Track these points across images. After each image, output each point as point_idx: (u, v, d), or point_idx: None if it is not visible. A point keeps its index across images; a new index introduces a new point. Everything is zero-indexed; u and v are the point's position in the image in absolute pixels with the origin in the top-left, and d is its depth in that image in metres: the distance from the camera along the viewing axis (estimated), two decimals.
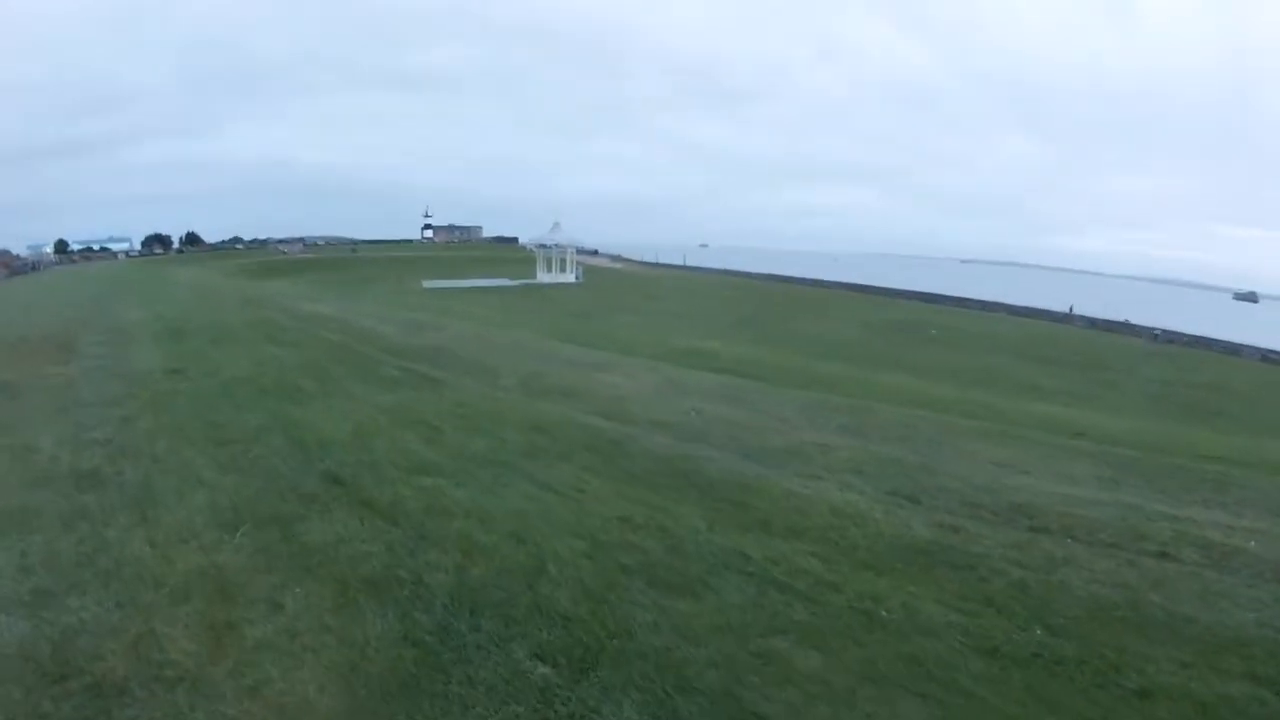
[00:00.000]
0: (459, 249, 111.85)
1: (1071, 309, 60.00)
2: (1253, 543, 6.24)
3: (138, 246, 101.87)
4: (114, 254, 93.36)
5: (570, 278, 68.62)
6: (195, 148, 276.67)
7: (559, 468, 7.69)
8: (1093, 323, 56.13)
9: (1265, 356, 43.44)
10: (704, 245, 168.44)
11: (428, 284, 58.26)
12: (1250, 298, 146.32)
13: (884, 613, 4.74)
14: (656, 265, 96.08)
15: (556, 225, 72.38)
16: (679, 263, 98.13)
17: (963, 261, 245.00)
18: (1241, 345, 46.37)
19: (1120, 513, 6.82)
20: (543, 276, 68.44)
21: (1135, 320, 55.66)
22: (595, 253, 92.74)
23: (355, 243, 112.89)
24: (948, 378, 25.57)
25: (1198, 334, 50.05)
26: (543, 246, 72.55)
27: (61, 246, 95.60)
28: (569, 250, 71.50)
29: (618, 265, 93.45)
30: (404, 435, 8.95)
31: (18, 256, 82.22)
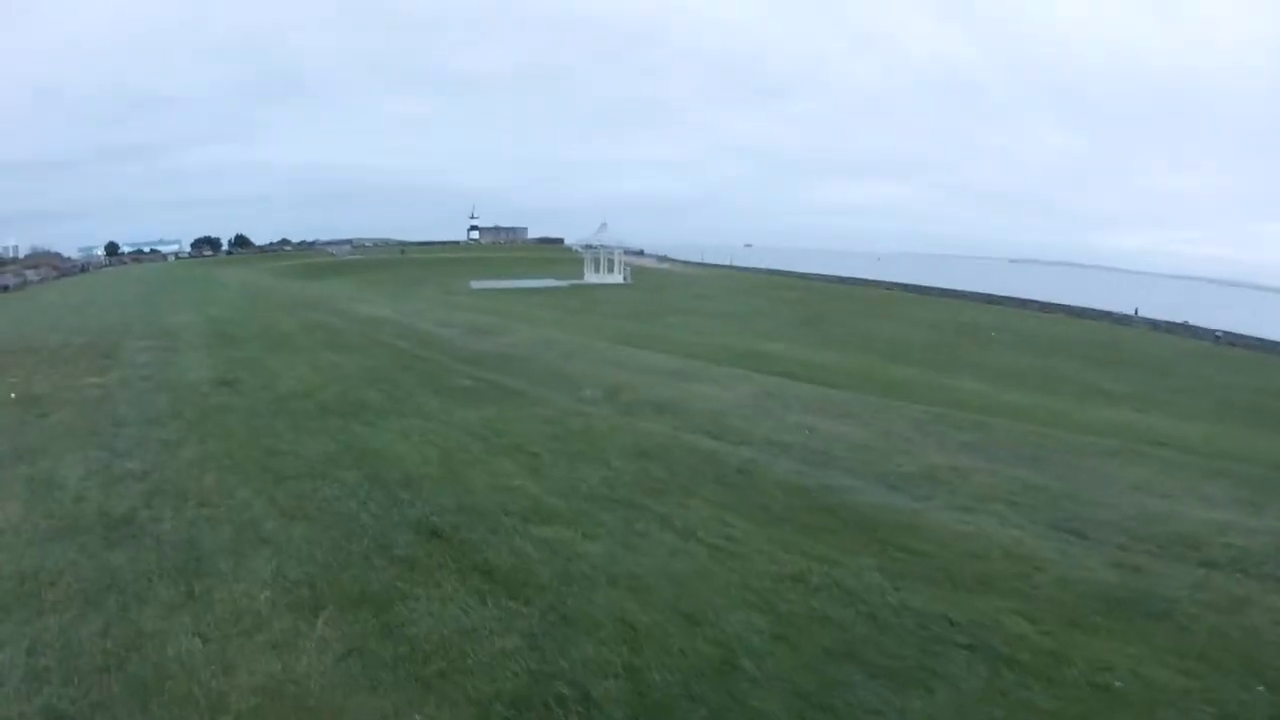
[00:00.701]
0: (505, 250, 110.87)
1: (1137, 311, 57.87)
2: None
3: (187, 248, 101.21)
4: (163, 255, 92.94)
5: (618, 278, 67.18)
6: (242, 152, 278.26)
7: (691, 506, 6.44)
8: (1154, 324, 54.31)
9: None
10: (749, 245, 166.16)
11: (476, 284, 57.17)
12: None
13: (1118, 684, 4.10)
14: (703, 265, 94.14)
15: (603, 226, 71.17)
16: (725, 263, 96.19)
17: (1011, 261, 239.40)
18: None
19: (1276, 541, 6.28)
20: (590, 277, 67.11)
21: (1194, 321, 54.04)
22: (641, 253, 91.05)
23: (403, 244, 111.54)
24: (1015, 381, 24.89)
25: (1260, 336, 48.22)
26: (590, 247, 71.27)
27: (112, 248, 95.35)
28: (616, 251, 70.20)
29: (664, 266, 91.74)
30: (501, 465, 7.49)
31: (68, 258, 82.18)
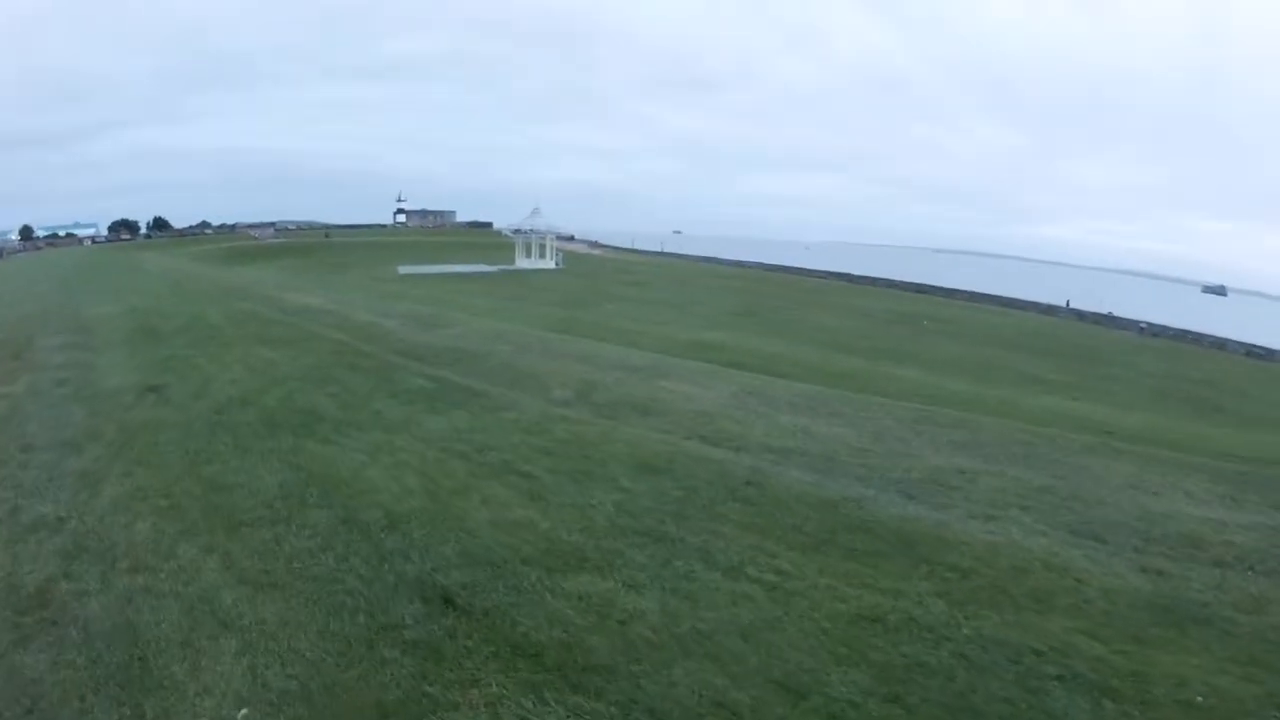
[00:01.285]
0: (433, 234, 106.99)
1: (1068, 302, 58.56)
2: None
3: (104, 232, 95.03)
4: (80, 239, 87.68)
5: (550, 264, 65.49)
6: (163, 137, 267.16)
7: (723, 534, 5.65)
8: (1080, 315, 55.10)
9: (1249, 351, 43.42)
10: (678, 232, 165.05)
11: (403, 269, 54.79)
12: (1219, 291, 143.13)
13: (1199, 699, 3.96)
14: (633, 251, 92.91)
15: (536, 211, 69.20)
16: (656, 249, 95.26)
17: (935, 251, 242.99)
18: (1226, 340, 45.85)
19: (1269, 537, 6.30)
20: (522, 262, 65.28)
21: (1119, 313, 54.96)
22: (572, 238, 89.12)
23: (328, 227, 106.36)
24: (955, 371, 24.73)
25: (1183, 327, 49.52)
26: (520, 232, 68.95)
27: (26, 232, 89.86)
28: (548, 236, 68.54)
29: (595, 251, 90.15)
30: (494, 491, 6.35)
31: None
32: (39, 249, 76.53)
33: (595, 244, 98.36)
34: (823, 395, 12.06)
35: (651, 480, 6.75)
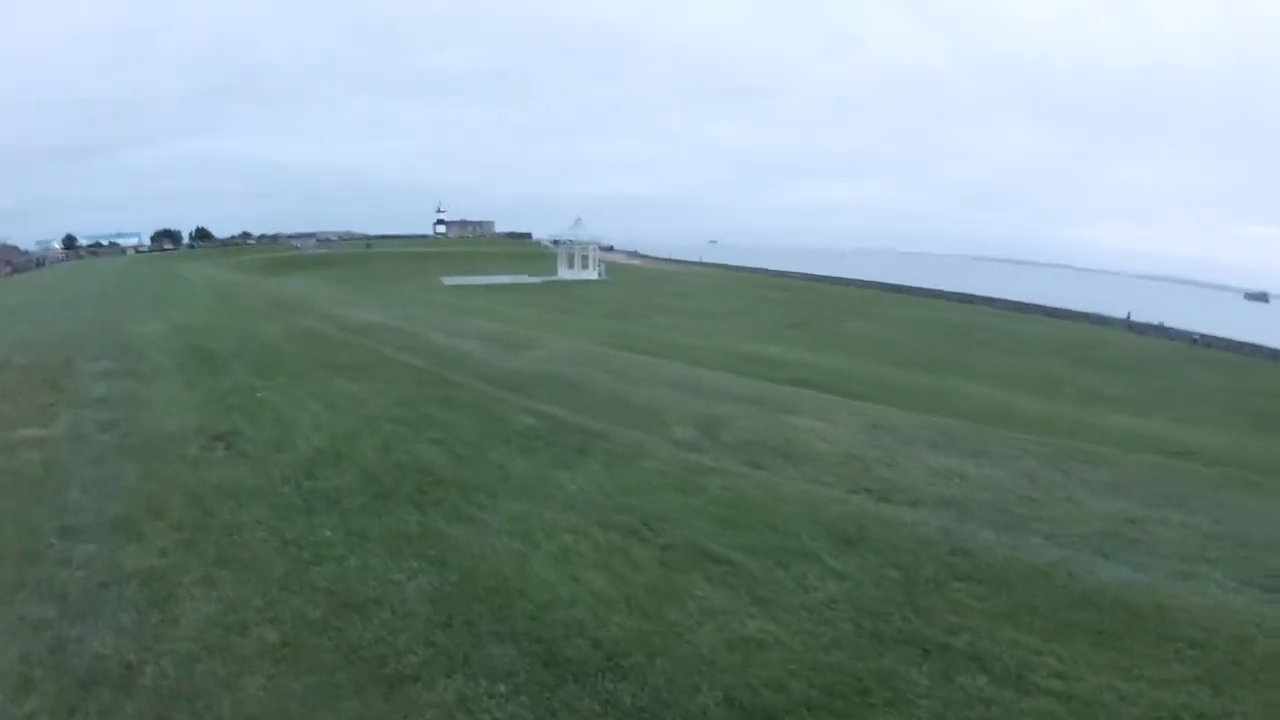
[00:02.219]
0: (474, 244, 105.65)
1: (1130, 315, 56.43)
2: None
3: (146, 241, 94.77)
4: (122, 249, 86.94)
5: (593, 274, 64.53)
6: (205, 148, 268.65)
7: (977, 629, 4.58)
8: (1130, 325, 53.93)
9: None
10: (713, 242, 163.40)
11: (448, 280, 53.69)
12: (1261, 298, 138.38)
13: None
14: (672, 261, 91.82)
15: (579, 222, 68.14)
16: (694, 259, 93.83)
17: (975, 259, 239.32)
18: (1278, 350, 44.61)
19: None
20: (565, 273, 64.36)
21: (1168, 323, 53.97)
22: (611, 249, 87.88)
23: (369, 238, 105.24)
24: (1018, 386, 24.51)
25: (1234, 338, 48.27)
26: (561, 243, 68.81)
27: (70, 242, 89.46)
28: (591, 247, 67.36)
29: (635, 261, 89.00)
30: (706, 593, 4.81)
31: (25, 252, 76.59)
32: (81, 258, 76.16)
33: (635, 254, 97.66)
34: (952, 429, 10.63)
35: (856, 557, 5.52)
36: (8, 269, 57.87)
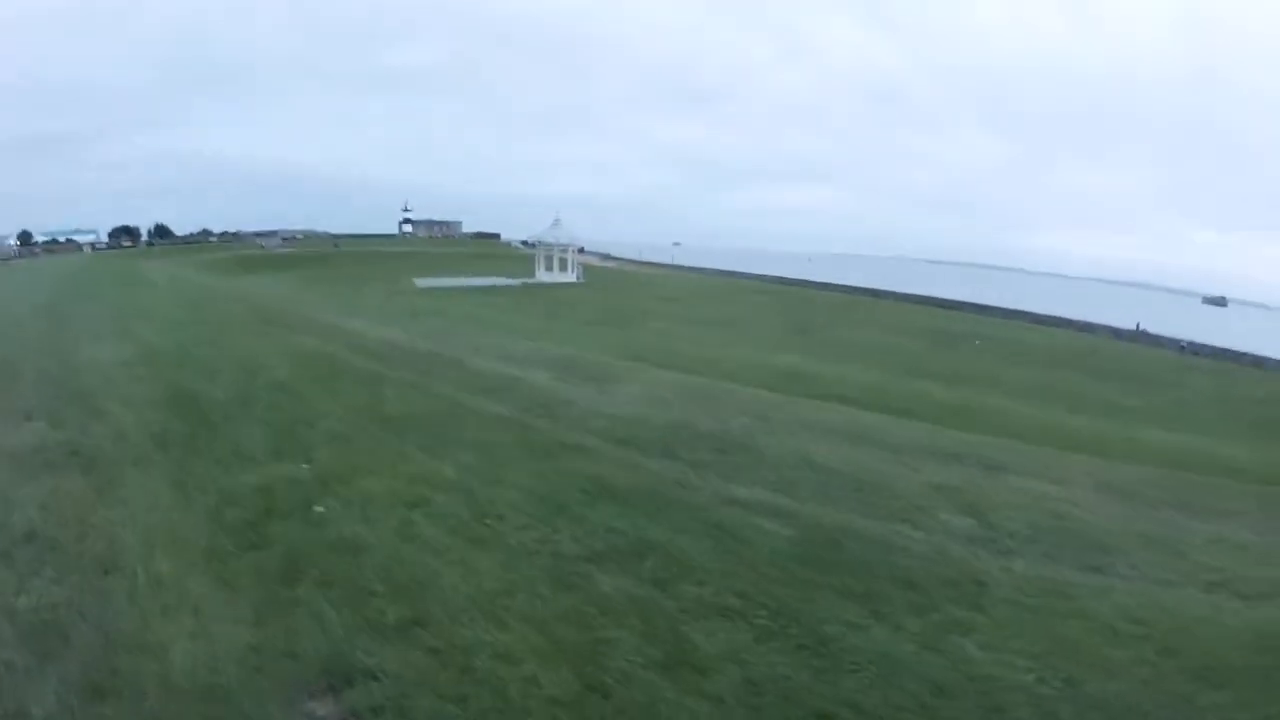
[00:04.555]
0: (443, 244, 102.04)
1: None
2: None
3: (104, 238, 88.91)
4: (79, 246, 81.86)
5: (571, 277, 61.79)
6: (162, 142, 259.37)
7: None
8: (1116, 333, 53.10)
9: None
10: (677, 244, 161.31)
11: (421, 283, 50.46)
12: (1219, 302, 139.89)
13: None
14: (645, 263, 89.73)
15: (557, 222, 65.23)
16: (663, 260, 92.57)
17: (931, 262, 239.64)
18: (1264, 357, 44.66)
19: None
20: (543, 275, 61.51)
21: (1152, 330, 53.52)
22: (582, 250, 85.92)
23: (335, 237, 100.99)
24: (1037, 398, 23.27)
25: (1219, 345, 48.27)
26: (539, 244, 65.72)
27: (25, 237, 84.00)
28: (570, 248, 64.63)
29: (609, 264, 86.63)
30: None
31: None
32: (35, 255, 71.29)
33: (607, 256, 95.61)
34: (1158, 479, 9.33)
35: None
36: None
